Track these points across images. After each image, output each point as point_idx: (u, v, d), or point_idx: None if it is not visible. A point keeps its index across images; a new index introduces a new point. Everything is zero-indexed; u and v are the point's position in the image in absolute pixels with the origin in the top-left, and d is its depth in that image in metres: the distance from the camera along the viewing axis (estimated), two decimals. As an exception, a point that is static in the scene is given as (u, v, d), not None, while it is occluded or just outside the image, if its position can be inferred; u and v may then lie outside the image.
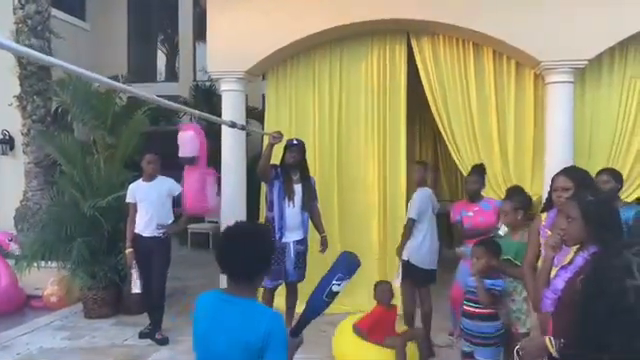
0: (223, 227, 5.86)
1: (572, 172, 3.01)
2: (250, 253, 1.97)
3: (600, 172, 4.29)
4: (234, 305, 1.96)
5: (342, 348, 4.24)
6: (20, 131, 7.82)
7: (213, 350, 1.95)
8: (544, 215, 3.11)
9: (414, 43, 5.65)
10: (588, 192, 2.42)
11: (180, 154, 3.52)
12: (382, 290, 4.21)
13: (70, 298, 5.90)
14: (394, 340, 4.03)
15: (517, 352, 2.14)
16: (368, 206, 5.75)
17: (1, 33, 6.68)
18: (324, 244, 4.94)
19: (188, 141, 3.45)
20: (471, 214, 4.41)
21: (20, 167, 7.82)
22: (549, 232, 2.94)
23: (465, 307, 3.41)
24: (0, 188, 9.52)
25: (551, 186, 3.05)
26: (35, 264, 5.46)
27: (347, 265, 2.18)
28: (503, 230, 3.76)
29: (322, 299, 2.12)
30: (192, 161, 3.56)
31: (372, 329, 4.12)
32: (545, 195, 4.98)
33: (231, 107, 5.75)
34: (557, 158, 4.98)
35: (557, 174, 3.02)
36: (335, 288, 2.12)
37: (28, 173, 7.54)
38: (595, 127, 5.37)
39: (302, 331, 2.11)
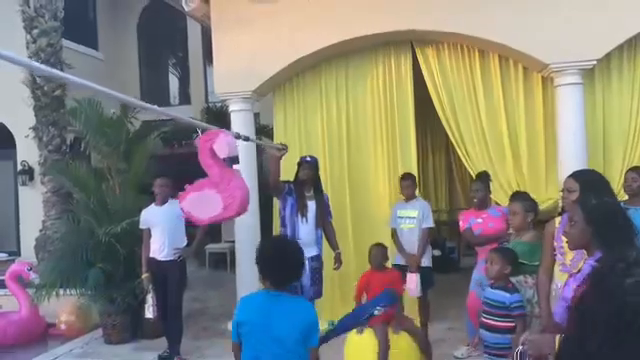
0: (237, 243, 5.90)
1: (579, 174, 3.00)
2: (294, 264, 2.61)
3: (629, 170, 4.30)
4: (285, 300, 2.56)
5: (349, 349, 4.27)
6: (37, 161, 7.99)
7: (270, 336, 2.49)
8: (558, 219, 3.06)
9: (418, 53, 5.64)
10: (592, 195, 2.36)
11: (227, 155, 3.59)
12: (374, 252, 4.45)
13: (87, 325, 5.94)
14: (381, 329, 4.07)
15: (517, 353, 2.10)
16: (381, 218, 5.70)
17: (14, 66, 6.86)
18: (338, 261, 4.91)
19: (232, 143, 3.58)
20: (480, 220, 4.39)
21: (39, 197, 7.98)
22: (563, 236, 2.89)
23: (483, 319, 3.35)
24: (21, 218, 9.73)
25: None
26: (54, 292, 5.52)
27: (390, 298, 2.88)
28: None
29: (362, 319, 2.80)
30: (235, 160, 3.66)
31: (363, 291, 4.35)
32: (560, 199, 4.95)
33: (240, 126, 5.77)
34: (570, 161, 4.88)
35: (568, 176, 3.01)
36: (376, 312, 2.84)
37: (46, 202, 7.69)
38: (608, 128, 5.27)
39: (327, 341, 2.69)
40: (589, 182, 2.86)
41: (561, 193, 3.01)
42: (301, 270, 2.67)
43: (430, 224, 5.09)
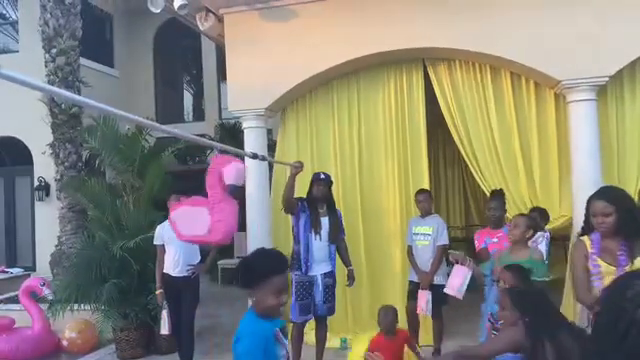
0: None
1: (609, 195, 2.91)
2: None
3: None
4: None
5: None
6: (54, 178, 8.11)
7: None
8: (588, 241, 2.99)
9: (430, 70, 5.65)
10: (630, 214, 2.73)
11: (233, 182, 3.62)
12: (383, 315, 4.18)
13: (90, 342, 5.96)
14: None
15: None
16: (393, 234, 5.70)
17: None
18: (351, 278, 4.90)
19: (242, 173, 3.61)
20: (496, 240, 4.33)
21: (55, 213, 8.08)
22: (599, 260, 2.88)
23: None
24: (37, 233, 9.87)
25: (587, 209, 2.97)
26: (68, 308, 5.56)
27: None
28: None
29: None
30: (235, 190, 3.68)
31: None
32: (575, 216, 4.90)
33: (253, 143, 5.84)
34: (584, 178, 4.85)
35: (595, 198, 2.92)
36: None
37: (62, 218, 7.78)
38: (622, 144, 5.22)
39: None
40: (623, 202, 2.86)
41: (595, 218, 2.89)
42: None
43: (444, 241, 5.06)
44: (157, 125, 2.94)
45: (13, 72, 1.46)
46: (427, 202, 5.12)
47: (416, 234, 5.10)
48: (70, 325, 5.94)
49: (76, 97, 2.10)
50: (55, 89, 2.01)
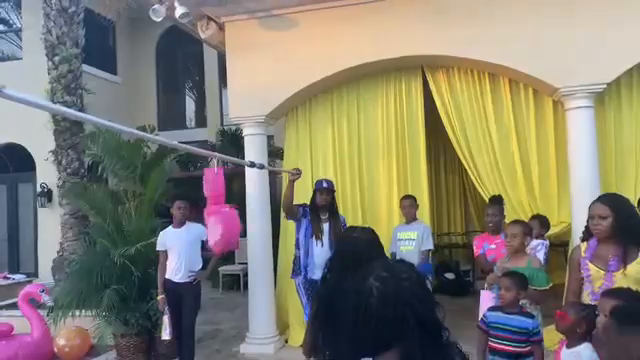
0: (250, 265, 5.96)
1: (608, 199, 2.98)
2: None
3: None
4: None
5: None
6: (56, 184, 8.15)
7: None
8: (584, 246, 3.03)
9: (429, 77, 5.70)
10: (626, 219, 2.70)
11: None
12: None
13: (89, 348, 5.95)
14: None
15: None
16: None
17: (37, 92, 7.09)
18: (351, 282, 4.91)
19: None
20: (494, 247, 4.33)
21: (57, 219, 8.12)
22: (590, 264, 2.91)
23: (491, 344, 3.32)
24: (39, 239, 9.91)
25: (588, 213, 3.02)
26: (70, 314, 5.57)
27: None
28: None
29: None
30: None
31: None
32: (574, 222, 4.92)
33: (253, 149, 5.89)
34: (583, 184, 4.88)
35: (595, 201, 2.98)
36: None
37: (64, 224, 7.81)
38: (619, 151, 5.25)
39: None
40: (619, 205, 2.89)
41: (591, 220, 2.93)
42: None
43: (429, 246, 5.11)
44: (151, 136, 2.99)
45: (16, 92, 1.50)
46: (413, 207, 5.18)
47: (400, 239, 5.13)
48: (61, 332, 5.92)
49: (75, 113, 2.15)
50: (56, 107, 2.06)
